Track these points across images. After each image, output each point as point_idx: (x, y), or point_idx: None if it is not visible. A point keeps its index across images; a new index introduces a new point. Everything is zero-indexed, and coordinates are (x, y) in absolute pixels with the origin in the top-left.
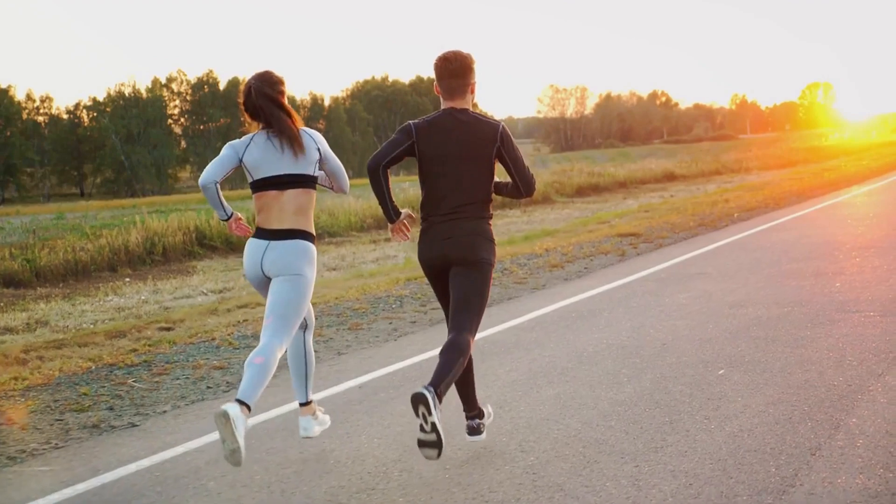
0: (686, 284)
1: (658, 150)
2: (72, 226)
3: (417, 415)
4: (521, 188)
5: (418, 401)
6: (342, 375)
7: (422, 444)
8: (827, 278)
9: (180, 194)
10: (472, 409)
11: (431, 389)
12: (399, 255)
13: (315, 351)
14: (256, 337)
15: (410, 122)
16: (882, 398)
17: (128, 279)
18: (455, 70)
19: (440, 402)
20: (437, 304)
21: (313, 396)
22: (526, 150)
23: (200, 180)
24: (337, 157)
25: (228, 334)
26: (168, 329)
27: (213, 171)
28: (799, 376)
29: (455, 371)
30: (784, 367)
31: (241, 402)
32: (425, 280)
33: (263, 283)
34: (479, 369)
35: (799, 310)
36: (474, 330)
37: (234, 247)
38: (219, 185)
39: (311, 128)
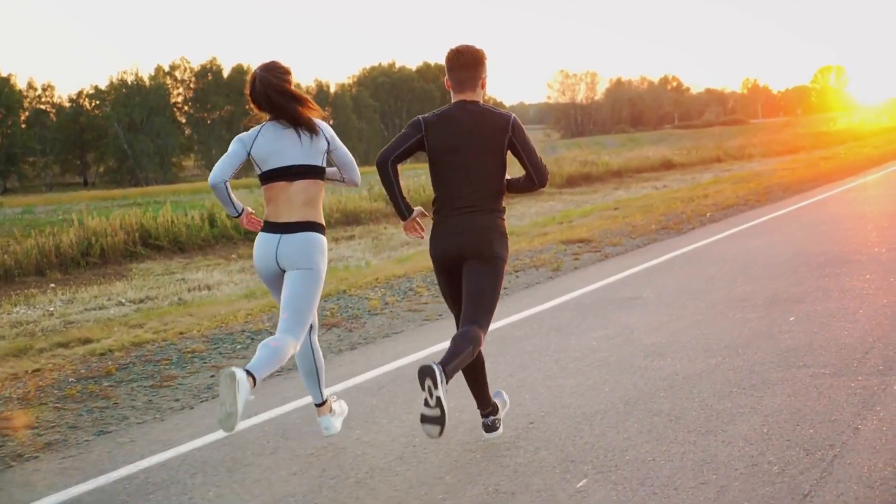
0: (608, 316)
1: (668, 135)
2: (28, 222)
3: (423, 388)
4: (535, 178)
5: (425, 374)
6: (99, 466)
7: (425, 419)
8: (782, 308)
9: (185, 183)
10: (486, 406)
11: (440, 366)
12: (355, 255)
13: (76, 427)
14: None
15: (420, 116)
16: None
17: (53, 285)
18: (466, 62)
19: (447, 382)
20: None
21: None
22: (536, 136)
23: (210, 179)
24: (345, 138)
25: None
26: None
27: (221, 169)
28: (687, 497)
29: (463, 358)
30: (671, 476)
31: (248, 372)
32: None
33: (277, 276)
34: (259, 462)
35: (730, 362)
36: (486, 326)
37: (181, 246)
38: (228, 183)
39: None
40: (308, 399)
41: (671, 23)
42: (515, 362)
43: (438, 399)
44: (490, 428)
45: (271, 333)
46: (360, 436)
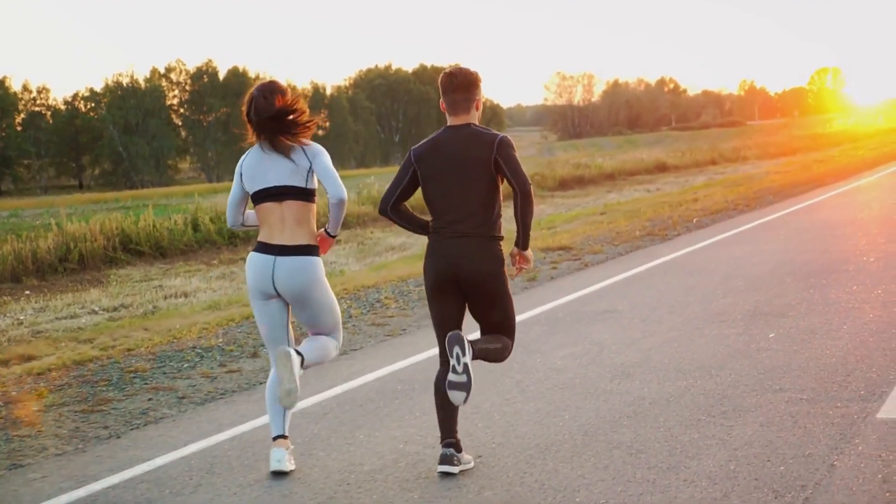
0: (579, 332)
1: (666, 136)
2: (11, 226)
3: (451, 356)
4: (516, 187)
5: (455, 341)
6: None
7: (452, 385)
8: (762, 323)
9: (180, 185)
10: (450, 437)
11: (468, 340)
12: (338, 261)
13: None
14: None
15: (412, 148)
16: None
17: (28, 292)
18: (458, 85)
19: (472, 356)
20: (235, 366)
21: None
22: (533, 138)
23: (228, 225)
24: (341, 141)
25: None
26: None
27: (230, 214)
28: None
29: (492, 349)
30: None
31: (297, 352)
32: (250, 326)
33: (270, 297)
34: (175, 502)
35: (701, 385)
36: (513, 338)
37: (163, 251)
38: (244, 217)
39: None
40: (244, 428)
41: (668, 23)
42: (475, 384)
43: (465, 365)
44: (446, 460)
45: (223, 350)
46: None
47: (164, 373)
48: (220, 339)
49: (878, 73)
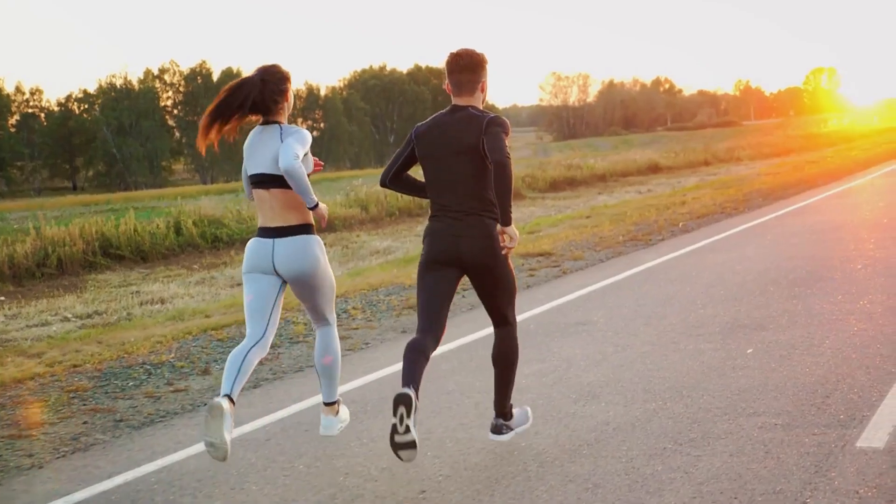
0: (549, 346)
1: (661, 136)
2: None
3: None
4: (489, 156)
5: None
6: None
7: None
8: (740, 337)
9: (174, 187)
10: (412, 383)
11: (499, 422)
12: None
13: None
14: None
15: (417, 125)
16: None
17: (3, 298)
18: (464, 65)
19: (511, 418)
20: (183, 384)
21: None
22: (528, 138)
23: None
24: (336, 142)
25: None
26: None
27: (245, 187)
28: None
29: (510, 377)
30: None
31: (328, 404)
32: (213, 337)
33: (267, 276)
34: None
35: (671, 408)
36: (513, 316)
37: (144, 255)
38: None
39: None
40: (177, 457)
41: (664, 23)
42: (430, 406)
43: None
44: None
45: (174, 366)
46: None
47: (107, 392)
48: (173, 354)
49: (875, 74)
